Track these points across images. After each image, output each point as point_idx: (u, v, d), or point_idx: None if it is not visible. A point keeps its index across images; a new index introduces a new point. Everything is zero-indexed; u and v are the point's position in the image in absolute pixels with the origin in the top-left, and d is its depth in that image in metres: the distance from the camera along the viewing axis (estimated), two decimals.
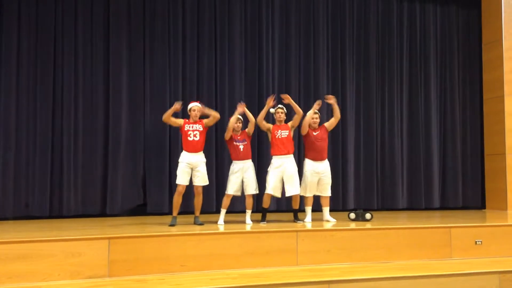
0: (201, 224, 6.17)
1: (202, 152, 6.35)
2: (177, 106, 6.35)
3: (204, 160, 6.36)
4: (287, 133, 6.57)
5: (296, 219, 6.62)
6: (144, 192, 7.82)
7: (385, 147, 9.13)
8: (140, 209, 7.77)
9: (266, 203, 6.56)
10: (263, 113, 6.62)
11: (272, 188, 6.44)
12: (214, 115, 6.43)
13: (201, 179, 6.25)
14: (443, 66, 9.62)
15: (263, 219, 6.46)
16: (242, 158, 6.48)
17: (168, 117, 6.33)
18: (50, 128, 7.48)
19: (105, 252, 4.82)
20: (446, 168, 9.45)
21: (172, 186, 7.44)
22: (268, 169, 6.59)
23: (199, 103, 6.53)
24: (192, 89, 8.15)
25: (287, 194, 6.54)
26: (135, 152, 7.81)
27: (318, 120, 6.76)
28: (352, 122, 8.92)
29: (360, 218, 6.72)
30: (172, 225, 6.04)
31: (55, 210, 7.41)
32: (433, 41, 9.54)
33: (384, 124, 9.18)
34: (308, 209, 6.67)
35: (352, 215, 6.81)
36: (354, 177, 8.87)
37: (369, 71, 9.14)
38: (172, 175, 7.04)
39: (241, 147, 6.47)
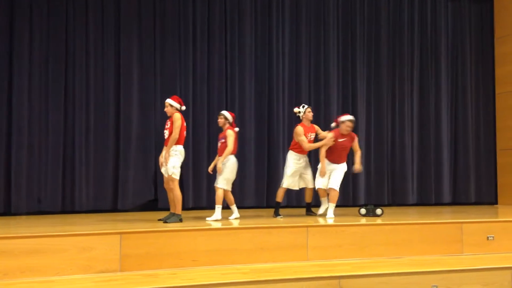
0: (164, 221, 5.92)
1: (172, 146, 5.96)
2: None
3: (172, 154, 5.97)
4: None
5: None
6: (155, 188, 7.85)
7: (396, 143, 9.09)
8: (151, 205, 7.82)
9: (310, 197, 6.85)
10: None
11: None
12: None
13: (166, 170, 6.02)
14: (455, 61, 9.53)
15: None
16: (218, 154, 6.43)
17: None
18: (62, 125, 7.53)
19: (116, 247, 4.84)
20: (457, 163, 9.39)
21: (183, 181, 7.49)
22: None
23: (172, 99, 6.12)
24: (202, 86, 8.17)
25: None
26: (146, 148, 7.84)
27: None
28: (362, 117, 8.88)
29: (370, 213, 6.70)
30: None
31: (67, 205, 7.47)
32: (444, 36, 9.45)
33: (395, 119, 9.13)
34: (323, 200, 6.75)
35: (363, 211, 6.78)
36: (365, 173, 8.83)
37: (380, 66, 9.09)
38: (183, 170, 7.05)
39: (219, 144, 6.45)
